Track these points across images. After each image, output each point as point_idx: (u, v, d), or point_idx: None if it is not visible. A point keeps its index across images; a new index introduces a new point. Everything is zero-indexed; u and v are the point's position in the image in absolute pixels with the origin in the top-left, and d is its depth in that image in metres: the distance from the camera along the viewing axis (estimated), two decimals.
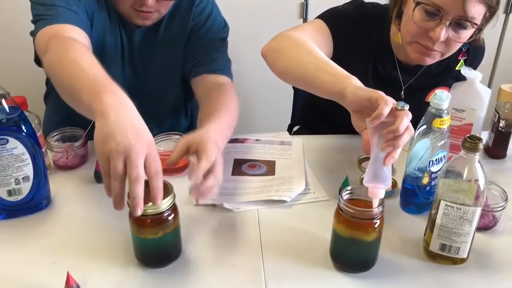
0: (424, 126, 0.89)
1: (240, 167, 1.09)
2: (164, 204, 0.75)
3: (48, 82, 1.38)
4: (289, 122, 1.61)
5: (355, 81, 0.85)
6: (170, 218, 0.77)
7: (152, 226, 0.76)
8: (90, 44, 1.03)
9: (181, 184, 0.90)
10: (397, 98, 0.80)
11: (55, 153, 1.05)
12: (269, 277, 0.79)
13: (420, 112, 0.90)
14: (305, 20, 2.06)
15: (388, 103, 0.76)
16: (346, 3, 1.19)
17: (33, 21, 1.04)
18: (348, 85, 0.83)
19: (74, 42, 0.93)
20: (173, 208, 0.78)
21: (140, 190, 0.70)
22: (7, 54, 1.94)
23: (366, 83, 0.87)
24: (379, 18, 1.15)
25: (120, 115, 0.73)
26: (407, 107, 0.76)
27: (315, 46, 0.99)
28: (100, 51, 1.15)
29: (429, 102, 0.89)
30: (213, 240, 0.88)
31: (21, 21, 1.91)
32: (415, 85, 1.22)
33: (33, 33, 1.02)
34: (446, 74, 1.22)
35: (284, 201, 0.95)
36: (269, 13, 2.00)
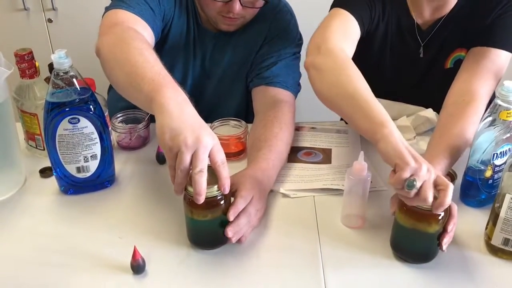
0: (490, 118, 0.86)
1: (295, 154, 1.09)
2: (216, 188, 0.77)
3: None
4: None
5: (389, 133, 0.80)
6: (222, 202, 0.79)
7: (205, 208, 0.78)
8: (153, 44, 1.04)
9: (237, 169, 0.92)
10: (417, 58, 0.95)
11: (119, 133, 1.09)
12: (326, 263, 0.80)
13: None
14: None
15: (404, 176, 0.74)
16: None
17: None
18: (380, 139, 0.80)
19: (140, 35, 0.95)
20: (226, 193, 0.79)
21: (204, 182, 0.73)
22: (77, 37, 2.02)
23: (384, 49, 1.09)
24: None
25: (184, 111, 0.77)
26: (418, 184, 0.74)
27: (356, 71, 0.94)
28: (174, 52, 1.18)
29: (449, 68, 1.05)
30: (269, 223, 0.89)
31: (92, 8, 1.99)
32: (434, 43, 1.19)
33: (106, 9, 1.05)
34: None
35: (341, 190, 0.95)
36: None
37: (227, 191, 0.77)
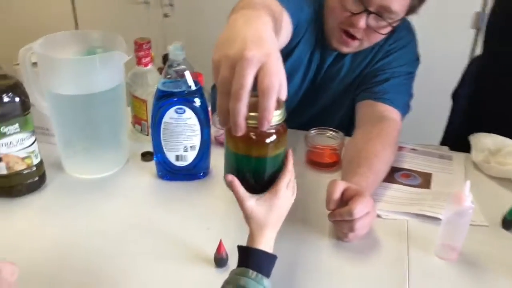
0: None
1: (392, 174, 1.05)
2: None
3: None
4: (440, 136, 1.52)
5: None
6: (268, 140, 0.64)
7: (243, 140, 0.64)
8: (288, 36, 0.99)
9: (329, 180, 0.89)
10: None
11: (217, 129, 1.12)
12: None
13: None
14: (478, 31, 1.91)
15: None
16: None
17: None
18: None
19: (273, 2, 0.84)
20: (278, 129, 0.64)
21: (241, 108, 0.57)
22: (190, 33, 2.12)
23: None
24: None
25: (248, 22, 0.62)
26: None
27: None
28: (295, 67, 1.18)
29: None
30: (356, 242, 0.85)
31: (207, 8, 2.07)
32: None
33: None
34: None
35: (438, 219, 0.90)
36: (440, 22, 1.89)
37: (264, 127, 0.59)
